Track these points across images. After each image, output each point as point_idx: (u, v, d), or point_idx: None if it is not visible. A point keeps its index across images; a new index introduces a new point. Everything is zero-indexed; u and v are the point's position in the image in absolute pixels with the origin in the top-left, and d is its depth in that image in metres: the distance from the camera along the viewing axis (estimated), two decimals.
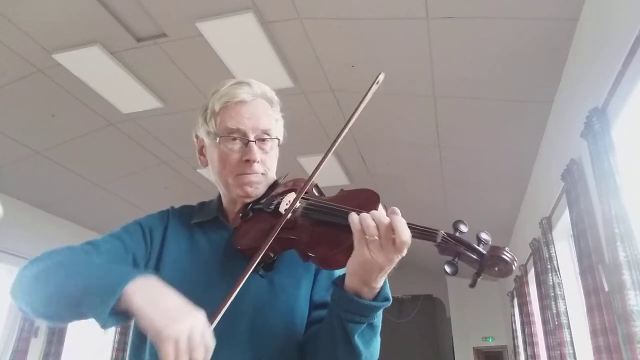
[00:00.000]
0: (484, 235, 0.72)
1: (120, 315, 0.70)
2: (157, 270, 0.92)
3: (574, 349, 3.03)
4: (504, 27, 2.59)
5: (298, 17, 2.71)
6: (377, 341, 0.84)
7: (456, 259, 0.72)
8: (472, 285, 0.73)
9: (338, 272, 0.94)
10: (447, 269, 0.72)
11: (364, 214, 0.73)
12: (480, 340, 7.67)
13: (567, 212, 2.75)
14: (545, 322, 3.52)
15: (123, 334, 5.83)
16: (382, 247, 0.71)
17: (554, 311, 3.15)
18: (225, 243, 0.95)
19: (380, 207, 0.79)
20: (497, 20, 2.55)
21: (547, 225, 3.38)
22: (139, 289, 0.69)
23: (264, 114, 0.97)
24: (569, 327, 3.08)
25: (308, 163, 4.18)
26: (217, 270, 0.91)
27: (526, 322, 4.71)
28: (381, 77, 0.92)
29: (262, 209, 0.94)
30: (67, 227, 5.34)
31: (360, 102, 0.91)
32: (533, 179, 4.10)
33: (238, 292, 0.84)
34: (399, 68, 3.05)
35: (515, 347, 5.83)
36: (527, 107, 3.20)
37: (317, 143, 3.97)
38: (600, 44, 2.21)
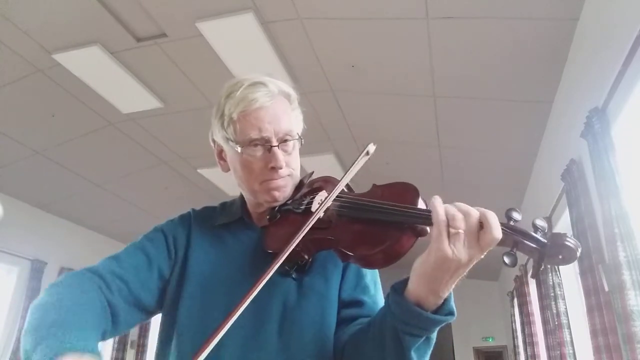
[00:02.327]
0: (539, 222, 0.66)
1: None
2: (183, 277, 0.90)
3: (574, 349, 3.03)
4: (504, 27, 2.59)
5: (298, 17, 2.71)
6: (429, 355, 0.78)
7: (514, 249, 0.66)
8: (534, 275, 0.68)
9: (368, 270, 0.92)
10: (506, 260, 0.65)
11: (448, 205, 0.67)
12: (480, 340, 7.67)
13: (567, 212, 2.75)
14: (545, 322, 3.52)
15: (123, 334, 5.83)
16: (464, 242, 0.65)
17: (554, 311, 3.15)
18: (254, 243, 0.93)
19: (420, 200, 0.75)
20: (497, 20, 2.55)
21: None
22: None
23: (284, 115, 0.93)
24: (569, 327, 3.08)
25: (308, 163, 4.17)
26: (246, 268, 0.89)
27: (526, 322, 4.71)
28: (372, 148, 0.87)
29: (290, 210, 0.91)
30: (67, 227, 5.34)
31: (347, 171, 0.86)
32: (533, 179, 4.10)
33: (266, 294, 0.82)
34: (399, 68, 3.05)
35: (515, 347, 5.84)
36: (527, 107, 3.20)
37: (317, 143, 3.97)
38: (600, 44, 2.21)
